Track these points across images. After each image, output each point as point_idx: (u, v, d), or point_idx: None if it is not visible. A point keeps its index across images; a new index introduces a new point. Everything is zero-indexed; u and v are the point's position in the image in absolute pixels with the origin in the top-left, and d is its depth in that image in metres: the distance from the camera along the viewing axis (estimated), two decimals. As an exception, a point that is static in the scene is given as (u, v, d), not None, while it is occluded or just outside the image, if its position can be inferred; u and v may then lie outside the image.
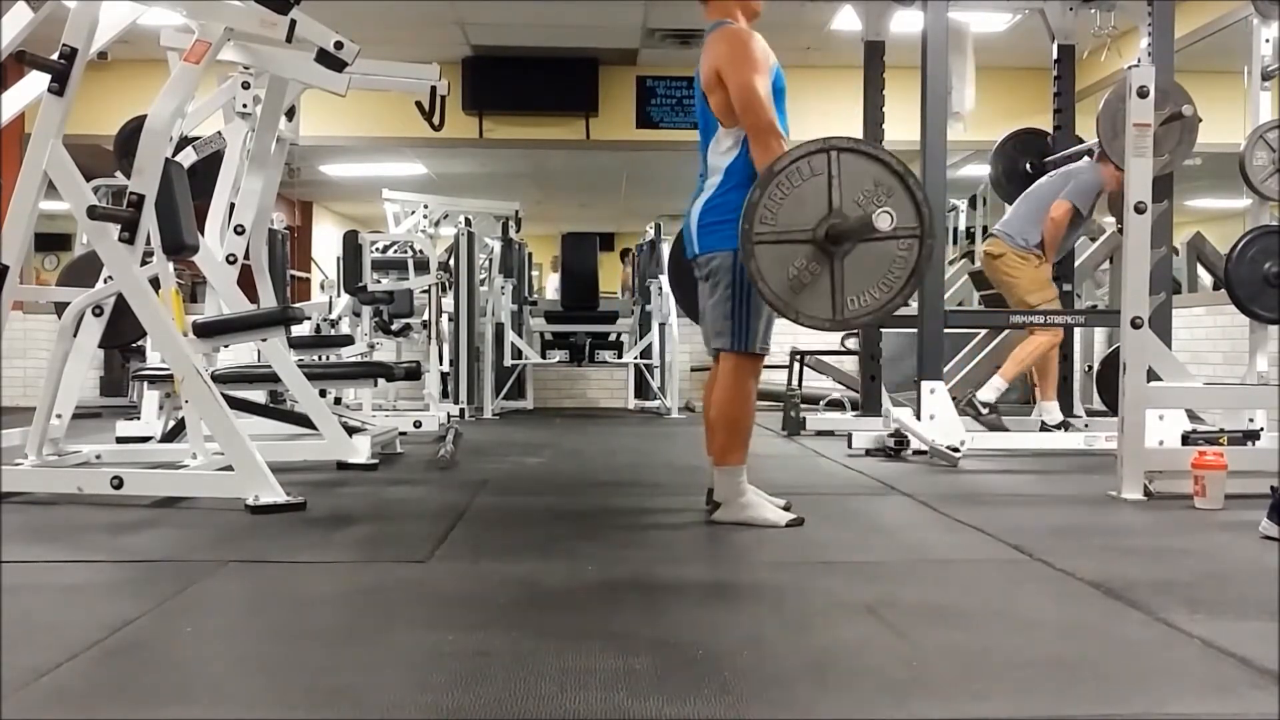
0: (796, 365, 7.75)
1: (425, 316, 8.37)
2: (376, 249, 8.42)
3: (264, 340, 4.53)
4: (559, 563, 2.95)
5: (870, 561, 2.91)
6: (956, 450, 5.09)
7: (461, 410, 7.83)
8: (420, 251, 8.49)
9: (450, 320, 8.31)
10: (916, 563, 3.00)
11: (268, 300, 6.21)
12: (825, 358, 7.85)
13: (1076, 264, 6.65)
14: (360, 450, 4.82)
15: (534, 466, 5.28)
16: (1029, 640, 2.20)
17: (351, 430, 4.98)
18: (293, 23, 3.83)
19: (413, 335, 8.47)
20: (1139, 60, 5.49)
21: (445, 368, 8.17)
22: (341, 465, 4.79)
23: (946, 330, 5.68)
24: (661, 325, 8.50)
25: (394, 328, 8.31)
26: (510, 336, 8.33)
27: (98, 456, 4.51)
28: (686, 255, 3.59)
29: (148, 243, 3.92)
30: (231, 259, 4.89)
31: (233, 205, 5.20)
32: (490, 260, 9.08)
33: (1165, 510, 3.79)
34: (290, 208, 16.23)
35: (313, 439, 4.79)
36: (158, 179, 3.77)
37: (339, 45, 4.03)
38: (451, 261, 8.29)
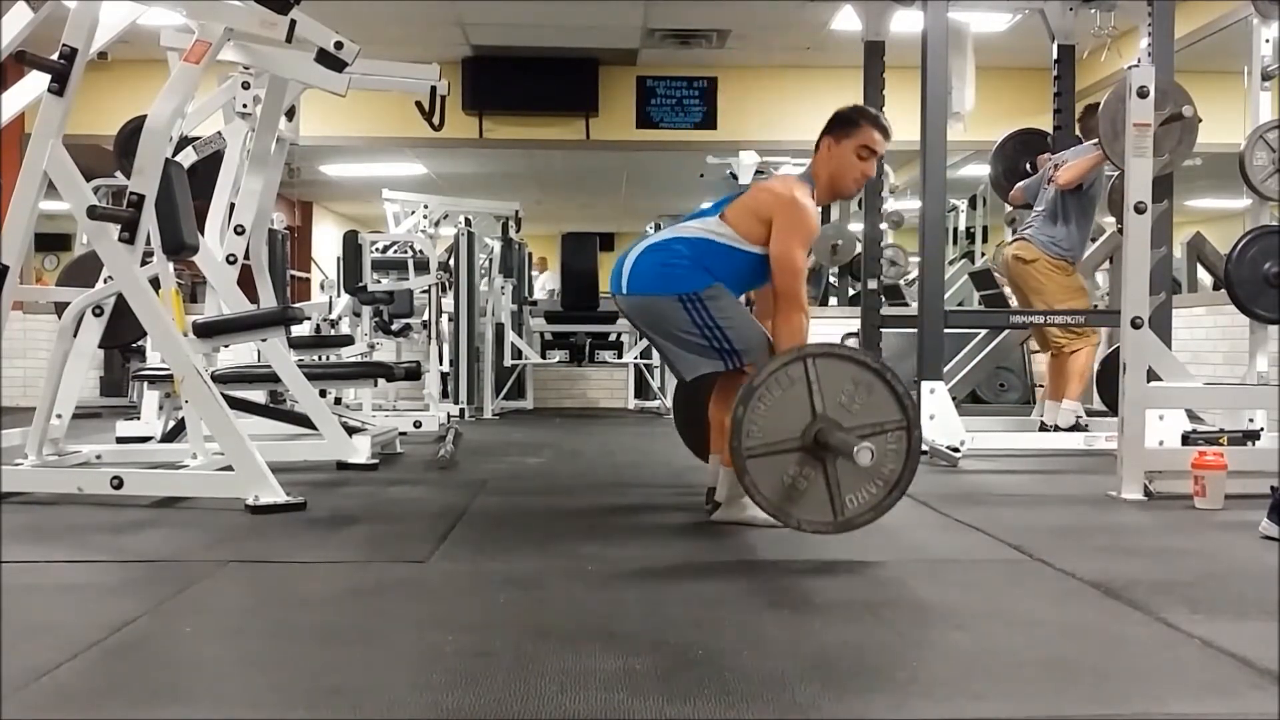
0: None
1: (425, 316, 8.38)
2: (376, 249, 8.42)
3: (264, 340, 4.53)
4: (559, 562, 2.95)
5: (870, 561, 2.91)
6: (956, 450, 5.09)
7: (461, 410, 7.84)
8: (420, 251, 8.50)
9: (450, 320, 8.31)
10: (916, 563, 3.00)
11: (268, 300, 6.20)
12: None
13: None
14: (360, 450, 4.82)
15: (534, 466, 5.28)
16: (1029, 640, 2.20)
17: (351, 430, 4.99)
18: (293, 23, 3.84)
19: (413, 335, 8.47)
20: (1139, 60, 5.49)
21: (445, 368, 8.17)
22: (341, 465, 4.79)
23: (946, 330, 5.68)
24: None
25: (394, 328, 8.30)
26: (510, 336, 8.33)
27: (98, 456, 4.52)
28: (613, 290, 3.68)
29: (148, 243, 3.92)
30: (231, 259, 4.88)
31: (233, 205, 5.22)
32: (490, 260, 9.08)
33: (1165, 510, 3.79)
34: (290, 208, 16.21)
35: (313, 439, 4.79)
36: (158, 179, 3.77)
37: (339, 45, 4.04)
38: (451, 261, 8.29)
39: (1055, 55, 6.49)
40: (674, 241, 3.55)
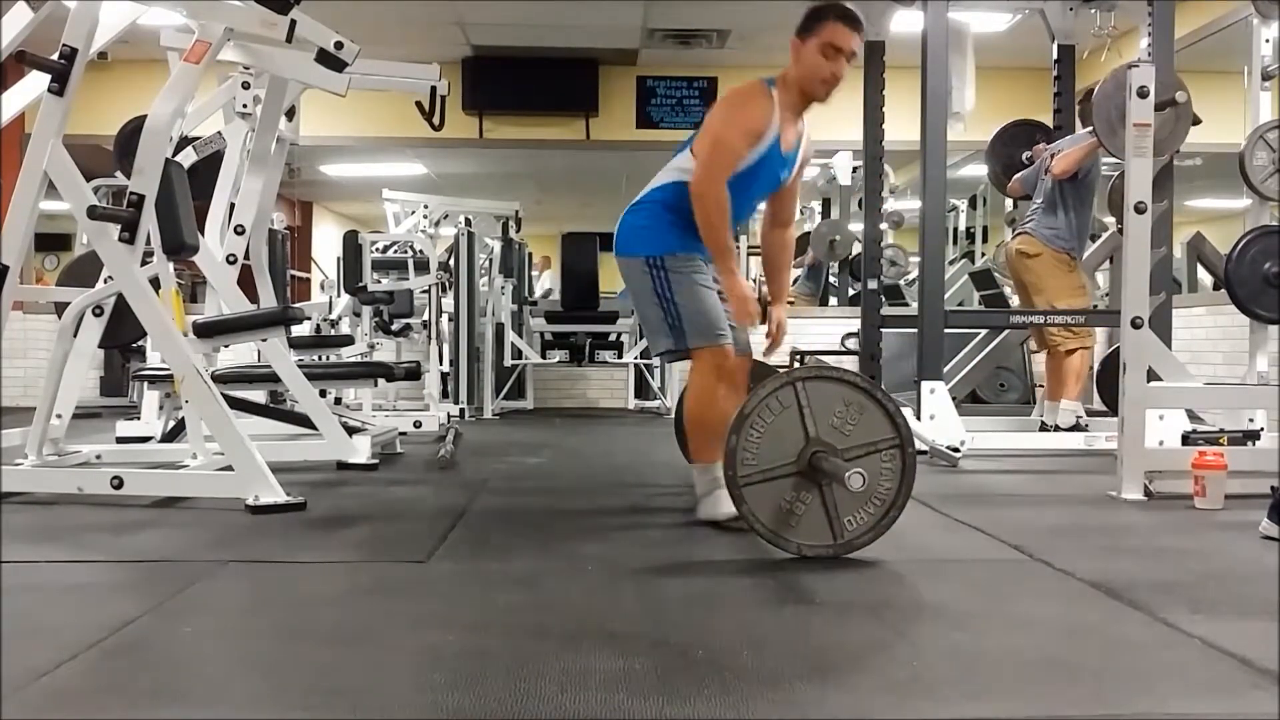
0: (796, 364, 7.74)
1: (425, 316, 8.38)
2: (376, 249, 8.42)
3: (264, 340, 4.53)
4: (559, 563, 2.95)
5: (870, 561, 2.90)
6: (957, 450, 5.09)
7: (461, 410, 7.83)
8: (420, 251, 8.50)
9: (450, 320, 8.31)
10: (917, 563, 2.99)
11: (268, 300, 6.20)
12: (825, 357, 7.85)
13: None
14: (360, 450, 4.82)
15: (534, 467, 5.28)
16: (1029, 640, 2.20)
17: (351, 430, 4.99)
18: (293, 23, 3.84)
19: (413, 335, 8.46)
20: (1139, 60, 5.48)
21: (445, 368, 8.17)
22: (342, 465, 4.79)
23: (946, 330, 5.68)
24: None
25: (394, 328, 8.30)
26: (510, 336, 8.32)
27: (98, 456, 4.52)
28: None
29: (148, 243, 3.93)
30: (232, 259, 4.89)
31: (233, 205, 5.24)
32: (490, 260, 9.08)
33: (1165, 510, 3.79)
34: (290, 208, 16.21)
35: (313, 439, 4.80)
36: (158, 179, 3.77)
37: (339, 45, 4.03)
38: (452, 261, 8.28)
39: (1055, 55, 6.50)
40: (653, 192, 3.53)
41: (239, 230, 4.93)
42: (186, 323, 4.38)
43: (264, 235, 5.32)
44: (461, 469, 5.02)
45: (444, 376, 8.15)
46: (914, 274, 10.90)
